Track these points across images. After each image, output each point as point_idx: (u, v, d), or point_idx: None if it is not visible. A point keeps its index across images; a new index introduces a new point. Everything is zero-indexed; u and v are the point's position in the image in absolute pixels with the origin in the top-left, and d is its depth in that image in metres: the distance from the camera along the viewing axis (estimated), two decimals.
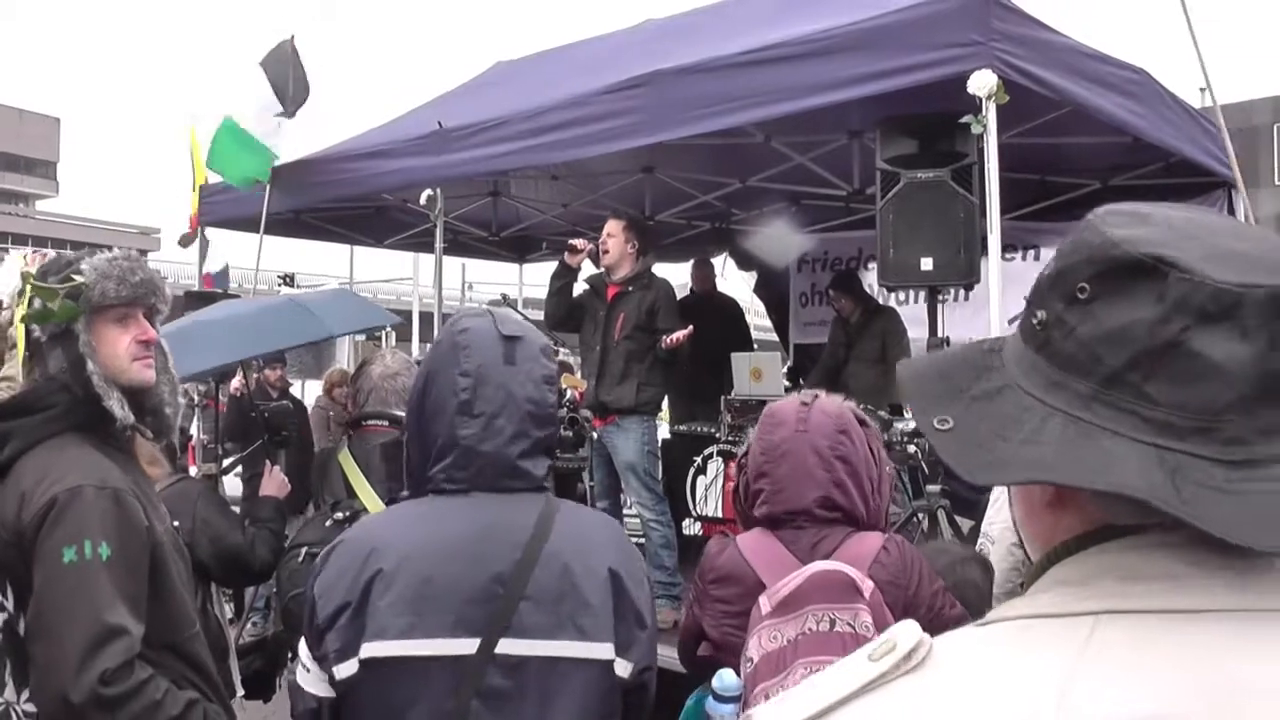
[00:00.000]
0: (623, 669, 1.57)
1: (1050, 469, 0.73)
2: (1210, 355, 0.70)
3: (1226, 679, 0.67)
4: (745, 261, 9.00)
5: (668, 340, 5.20)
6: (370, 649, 1.52)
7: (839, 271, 7.41)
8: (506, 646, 1.52)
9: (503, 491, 1.62)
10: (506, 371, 1.63)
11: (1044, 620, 0.74)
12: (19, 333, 2.01)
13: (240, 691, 2.98)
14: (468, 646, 1.52)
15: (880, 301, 6.83)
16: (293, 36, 6.78)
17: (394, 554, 1.56)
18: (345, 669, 1.53)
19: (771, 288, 8.99)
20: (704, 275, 7.81)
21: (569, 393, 6.39)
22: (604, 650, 1.55)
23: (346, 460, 2.72)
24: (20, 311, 1.99)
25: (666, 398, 6.24)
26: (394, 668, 1.52)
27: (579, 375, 6.43)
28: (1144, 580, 0.72)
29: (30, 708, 1.83)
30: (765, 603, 1.99)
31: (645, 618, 1.61)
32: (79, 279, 1.97)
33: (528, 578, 1.54)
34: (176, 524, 2.13)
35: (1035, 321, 0.80)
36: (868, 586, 1.96)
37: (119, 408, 1.96)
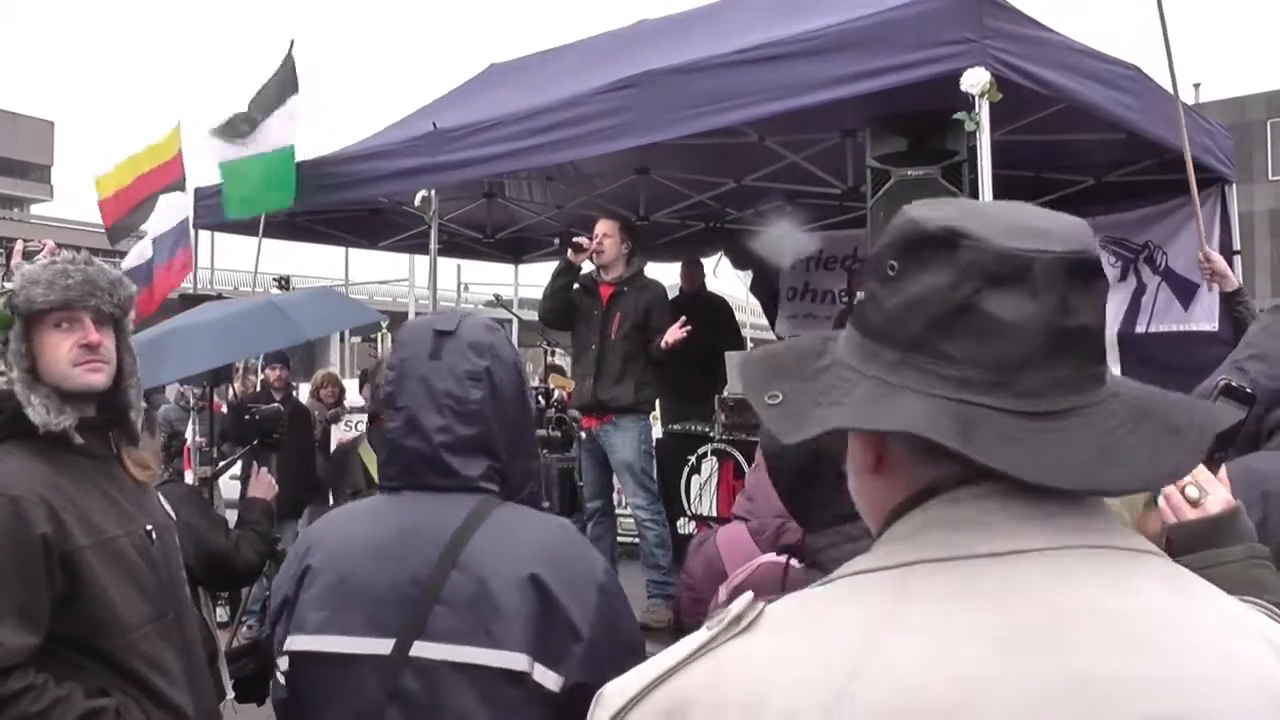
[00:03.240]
0: (551, 682, 1.45)
1: (843, 420, 0.80)
2: (1000, 315, 0.76)
3: (1026, 612, 0.72)
4: (741, 260, 8.99)
5: (664, 343, 5.21)
6: (291, 642, 1.54)
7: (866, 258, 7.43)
8: (420, 650, 1.47)
9: (431, 490, 1.57)
10: (429, 366, 1.57)
11: (868, 574, 0.79)
12: None
13: (230, 695, 2.96)
14: (384, 647, 1.49)
15: None
16: (291, 43, 6.79)
17: (322, 550, 1.58)
18: (282, 662, 1.56)
19: (767, 286, 8.99)
20: (693, 274, 7.80)
21: (557, 393, 6.40)
22: (515, 660, 1.45)
23: (366, 451, 2.73)
24: None
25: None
26: (315, 663, 1.53)
27: (568, 376, 6.45)
28: (959, 530, 0.77)
29: None
30: (722, 592, 2.00)
31: (582, 630, 1.47)
32: (9, 286, 1.96)
33: (444, 580, 1.49)
34: (150, 527, 2.09)
35: (857, 302, 0.87)
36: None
37: (41, 414, 1.92)
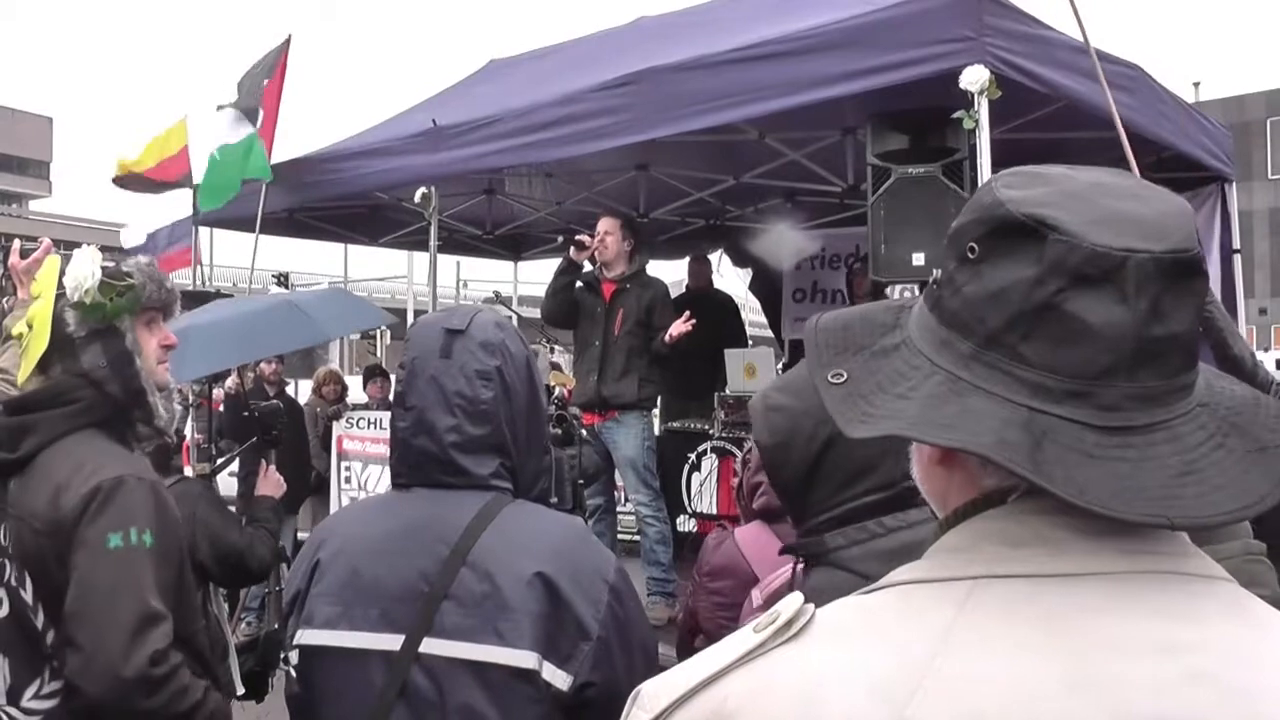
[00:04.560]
0: (561, 681, 1.44)
1: (910, 423, 0.73)
2: (1086, 318, 0.70)
3: (1090, 640, 0.68)
4: (740, 258, 8.99)
5: (669, 336, 5.21)
6: (302, 636, 1.56)
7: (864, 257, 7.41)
8: (429, 646, 1.47)
9: (441, 488, 1.57)
10: (440, 365, 1.57)
11: (925, 585, 0.75)
12: (39, 324, 1.98)
13: (240, 690, 2.96)
14: (393, 643, 1.49)
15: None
16: (288, 37, 6.78)
17: (333, 545, 1.59)
18: (293, 656, 1.58)
19: (766, 284, 8.99)
20: (701, 271, 7.79)
21: (557, 390, 6.42)
22: (523, 658, 1.44)
23: None
24: (44, 305, 1.98)
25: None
26: (325, 657, 1.53)
27: (568, 373, 6.45)
28: (1021, 545, 0.73)
29: (35, 705, 1.84)
30: (757, 595, 1.98)
31: (591, 629, 1.46)
32: (130, 279, 2.04)
33: (453, 577, 1.48)
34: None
35: (933, 280, 0.81)
36: None
37: (162, 406, 2.04)
